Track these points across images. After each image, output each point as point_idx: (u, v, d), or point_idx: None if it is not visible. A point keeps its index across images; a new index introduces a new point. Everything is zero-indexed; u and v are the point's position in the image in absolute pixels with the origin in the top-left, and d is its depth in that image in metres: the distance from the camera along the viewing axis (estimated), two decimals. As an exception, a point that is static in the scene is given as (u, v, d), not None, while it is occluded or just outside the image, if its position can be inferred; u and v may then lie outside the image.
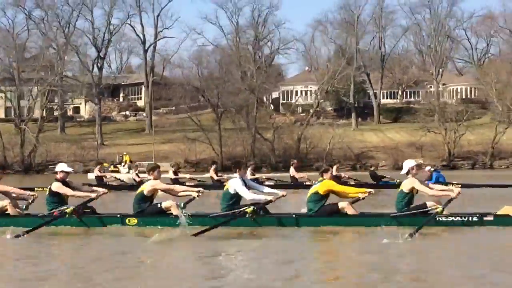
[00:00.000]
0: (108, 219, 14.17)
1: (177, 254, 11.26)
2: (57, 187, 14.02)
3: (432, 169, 29.71)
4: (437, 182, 27.24)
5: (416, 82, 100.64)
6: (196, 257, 10.50)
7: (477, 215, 13.24)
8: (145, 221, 13.80)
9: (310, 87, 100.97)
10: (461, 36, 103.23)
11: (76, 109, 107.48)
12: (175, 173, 29.49)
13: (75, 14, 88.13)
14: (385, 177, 31.97)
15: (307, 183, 27.26)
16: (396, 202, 13.48)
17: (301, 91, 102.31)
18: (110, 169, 61.38)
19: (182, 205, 13.58)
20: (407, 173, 13.43)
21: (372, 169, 32.71)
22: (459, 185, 26.22)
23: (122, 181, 32.80)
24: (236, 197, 13.76)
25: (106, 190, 14.78)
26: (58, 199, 14.04)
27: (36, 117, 78.77)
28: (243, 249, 11.35)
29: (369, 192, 13.57)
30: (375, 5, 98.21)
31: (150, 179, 14.29)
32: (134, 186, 26.62)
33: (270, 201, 13.67)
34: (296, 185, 28.76)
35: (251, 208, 13.30)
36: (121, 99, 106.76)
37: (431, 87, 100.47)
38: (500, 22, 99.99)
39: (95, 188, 15.41)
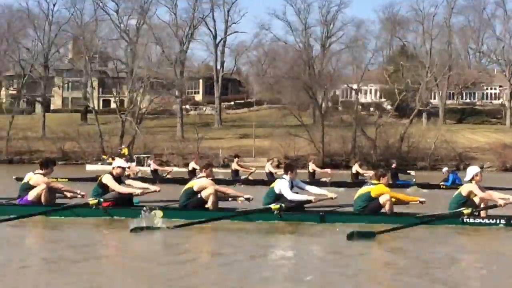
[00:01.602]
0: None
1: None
2: (108, 179, 14.17)
3: (450, 170, 30.72)
4: (453, 183, 28.27)
5: (473, 83, 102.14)
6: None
7: (505, 218, 13.38)
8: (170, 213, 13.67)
9: (370, 86, 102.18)
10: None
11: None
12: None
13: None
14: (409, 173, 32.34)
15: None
16: (450, 203, 13.79)
17: (361, 89, 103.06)
18: (108, 161, 61.13)
19: None
20: (471, 180, 13.75)
21: (393, 166, 31.18)
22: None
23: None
24: (281, 197, 14.01)
25: (158, 188, 14.69)
26: (103, 191, 14.16)
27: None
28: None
29: (421, 202, 13.87)
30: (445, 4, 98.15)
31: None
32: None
33: (310, 201, 14.15)
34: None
35: (278, 205, 13.66)
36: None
37: (489, 88, 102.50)
38: None
39: (146, 185, 15.08)
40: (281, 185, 14.16)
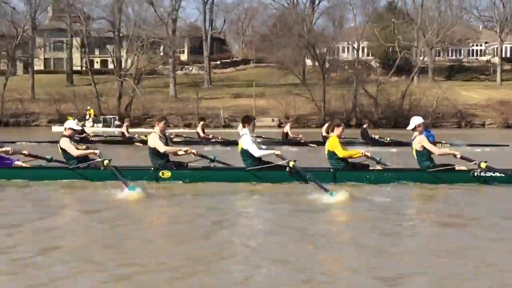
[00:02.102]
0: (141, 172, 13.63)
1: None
2: (63, 142, 13.87)
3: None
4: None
5: (459, 40, 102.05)
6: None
7: None
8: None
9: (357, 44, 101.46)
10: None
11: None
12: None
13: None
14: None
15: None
16: (419, 162, 13.45)
17: (347, 47, 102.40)
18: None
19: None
20: (413, 129, 13.62)
21: (364, 126, 31.03)
22: (448, 145, 27.58)
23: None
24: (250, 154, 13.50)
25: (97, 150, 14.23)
26: (65, 155, 13.87)
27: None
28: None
29: (366, 155, 13.68)
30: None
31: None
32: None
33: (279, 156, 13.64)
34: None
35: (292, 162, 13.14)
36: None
37: (475, 45, 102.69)
38: None
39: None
40: (245, 142, 13.45)
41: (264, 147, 14.59)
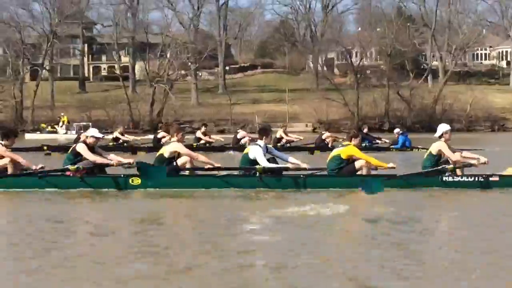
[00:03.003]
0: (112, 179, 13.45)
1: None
2: (81, 148, 13.59)
3: (400, 132, 29.82)
4: (403, 145, 28.29)
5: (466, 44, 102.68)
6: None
7: (483, 176, 13.34)
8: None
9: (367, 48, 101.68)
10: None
11: (125, 69, 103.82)
12: (122, 134, 30.47)
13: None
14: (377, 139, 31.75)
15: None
16: (423, 161, 13.89)
17: (357, 52, 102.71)
18: (47, 129, 61.04)
19: None
20: (440, 136, 13.79)
21: (365, 131, 31.45)
22: (425, 150, 27.42)
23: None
24: (255, 163, 13.53)
25: (132, 160, 14.12)
26: (77, 160, 13.55)
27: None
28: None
29: (392, 167, 13.61)
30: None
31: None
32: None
33: (287, 169, 13.83)
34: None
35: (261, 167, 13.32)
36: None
37: (480, 49, 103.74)
38: None
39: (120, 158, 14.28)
40: (256, 152, 13.54)
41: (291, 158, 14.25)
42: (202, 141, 29.20)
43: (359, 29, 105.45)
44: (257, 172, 13.26)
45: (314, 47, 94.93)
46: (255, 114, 71.52)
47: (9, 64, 79.88)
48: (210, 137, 29.94)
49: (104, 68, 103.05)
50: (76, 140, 25.59)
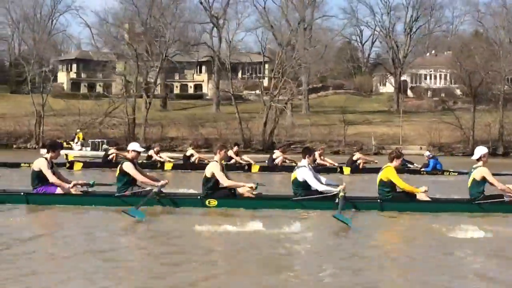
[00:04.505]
0: (187, 200, 13.84)
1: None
2: (127, 167, 13.59)
3: (431, 155, 29.83)
4: (434, 169, 28.22)
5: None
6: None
7: None
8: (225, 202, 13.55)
9: (440, 71, 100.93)
10: None
11: (196, 87, 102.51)
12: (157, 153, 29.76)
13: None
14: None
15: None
16: (470, 188, 13.58)
17: (430, 75, 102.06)
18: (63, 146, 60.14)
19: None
20: (478, 159, 13.58)
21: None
22: (456, 173, 27.44)
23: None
24: (306, 185, 13.57)
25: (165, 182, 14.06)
26: (128, 179, 13.64)
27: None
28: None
29: (425, 191, 13.63)
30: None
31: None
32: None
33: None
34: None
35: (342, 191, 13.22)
36: (239, 77, 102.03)
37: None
38: None
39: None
40: (304, 174, 13.54)
41: (324, 179, 14.19)
42: (232, 161, 29.05)
43: (433, 52, 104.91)
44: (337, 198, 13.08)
45: (395, 69, 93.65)
46: (372, 135, 69.97)
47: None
48: (241, 158, 29.79)
49: (177, 86, 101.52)
50: (106, 156, 28.52)
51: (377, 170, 14.65)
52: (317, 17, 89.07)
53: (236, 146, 30.66)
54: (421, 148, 69.29)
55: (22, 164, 27.14)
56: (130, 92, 74.24)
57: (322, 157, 29.36)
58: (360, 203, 13.32)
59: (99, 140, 59.45)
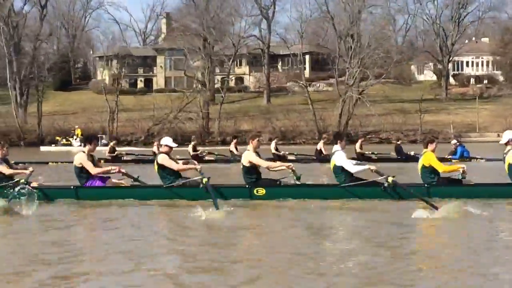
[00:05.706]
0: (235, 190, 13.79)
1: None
2: (162, 159, 13.72)
3: (458, 143, 29.74)
4: (461, 156, 28.11)
5: None
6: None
7: None
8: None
9: (482, 58, 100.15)
10: None
11: (240, 80, 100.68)
12: (194, 148, 30.00)
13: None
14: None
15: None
16: (509, 174, 13.43)
17: (472, 62, 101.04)
18: (62, 142, 61.48)
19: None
20: (507, 143, 13.52)
21: (398, 142, 32.60)
22: (483, 159, 27.56)
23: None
24: (345, 170, 13.55)
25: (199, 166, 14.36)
26: (165, 171, 13.76)
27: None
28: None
29: (463, 170, 13.68)
30: None
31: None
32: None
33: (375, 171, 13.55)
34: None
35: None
36: (279, 69, 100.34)
37: None
38: None
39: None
40: (339, 159, 13.54)
41: (354, 162, 14.13)
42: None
43: (473, 39, 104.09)
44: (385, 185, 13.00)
45: (443, 56, 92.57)
46: (451, 123, 68.79)
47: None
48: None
49: (218, 80, 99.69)
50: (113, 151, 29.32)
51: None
52: (368, 6, 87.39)
53: (235, 139, 31.48)
54: (498, 135, 68.04)
55: (49, 163, 28.31)
56: (196, 87, 72.78)
57: (361, 148, 29.87)
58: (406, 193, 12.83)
59: (98, 135, 58.76)
